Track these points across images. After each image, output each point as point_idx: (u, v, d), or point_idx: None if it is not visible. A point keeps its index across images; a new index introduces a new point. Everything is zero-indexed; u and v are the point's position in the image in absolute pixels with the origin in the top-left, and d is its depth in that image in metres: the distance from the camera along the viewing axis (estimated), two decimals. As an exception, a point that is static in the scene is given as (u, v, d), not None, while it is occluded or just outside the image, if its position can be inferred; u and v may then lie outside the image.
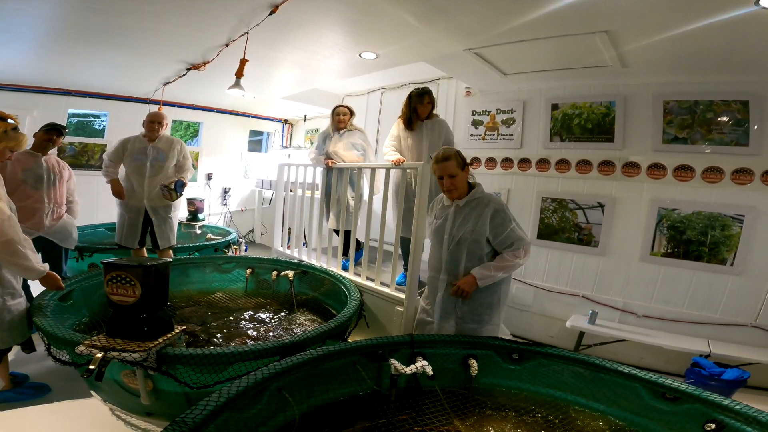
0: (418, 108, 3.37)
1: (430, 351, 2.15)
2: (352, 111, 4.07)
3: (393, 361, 1.94)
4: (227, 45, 3.75)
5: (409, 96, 3.43)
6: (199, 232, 5.83)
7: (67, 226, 3.45)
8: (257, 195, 7.93)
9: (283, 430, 1.64)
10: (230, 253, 4.92)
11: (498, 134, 4.52)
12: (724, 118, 3.36)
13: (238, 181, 7.90)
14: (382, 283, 3.27)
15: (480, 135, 4.64)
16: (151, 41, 3.83)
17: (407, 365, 1.97)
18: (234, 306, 3.43)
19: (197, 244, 4.84)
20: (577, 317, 3.81)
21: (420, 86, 3.51)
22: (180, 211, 4.15)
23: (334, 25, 3.32)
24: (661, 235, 3.62)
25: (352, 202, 3.81)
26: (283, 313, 3.30)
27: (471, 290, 2.35)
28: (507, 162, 4.45)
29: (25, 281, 3.25)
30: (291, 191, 4.56)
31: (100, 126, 6.36)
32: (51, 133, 3.32)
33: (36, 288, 2.80)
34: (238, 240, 5.42)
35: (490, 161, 4.52)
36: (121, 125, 6.19)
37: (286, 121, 8.22)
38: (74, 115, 6.02)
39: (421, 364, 1.98)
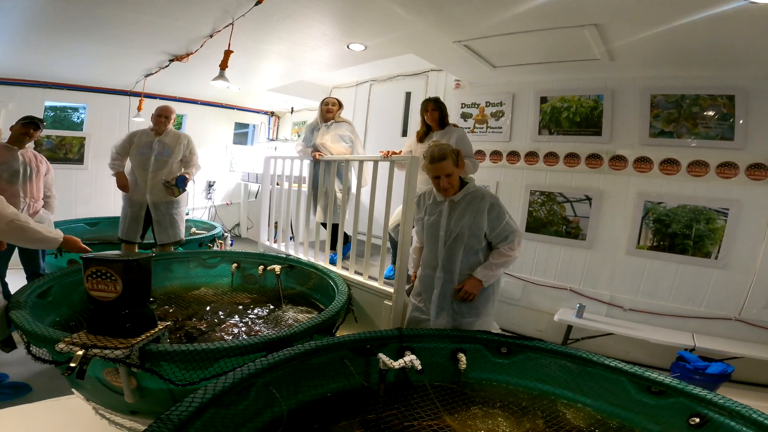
0: (425, 116, 3.32)
1: (418, 345, 2.16)
2: (341, 103, 4.05)
3: (381, 355, 1.94)
4: (211, 36, 3.70)
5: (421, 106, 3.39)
6: (183, 226, 5.75)
7: (44, 221, 3.38)
8: (243, 188, 7.86)
9: (270, 427, 1.63)
10: (215, 248, 4.88)
11: (487, 127, 4.54)
12: (710, 113, 3.42)
13: (223, 174, 7.81)
14: (370, 277, 3.27)
15: (469, 128, 4.65)
16: (132, 32, 3.76)
17: (396, 360, 1.97)
18: (219, 301, 3.40)
19: (181, 239, 4.77)
20: (565, 311, 3.86)
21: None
22: (185, 207, 4.10)
23: (322, 15, 3.29)
24: (647, 228, 3.68)
25: (339, 195, 3.80)
26: (269, 308, 3.29)
27: (478, 292, 2.38)
28: (496, 155, 4.47)
29: (1, 278, 3.20)
30: (277, 184, 4.53)
31: (78, 119, 6.22)
32: (28, 126, 3.26)
33: (14, 284, 2.75)
34: (223, 234, 5.38)
35: (479, 154, 4.54)
36: (100, 118, 6.09)
37: (272, 114, 8.14)
38: (51, 108, 5.88)
39: (410, 359, 1.98)
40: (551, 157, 4.13)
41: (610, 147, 3.84)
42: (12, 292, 2.59)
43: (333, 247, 3.71)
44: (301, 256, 3.86)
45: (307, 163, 4.07)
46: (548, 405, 2.03)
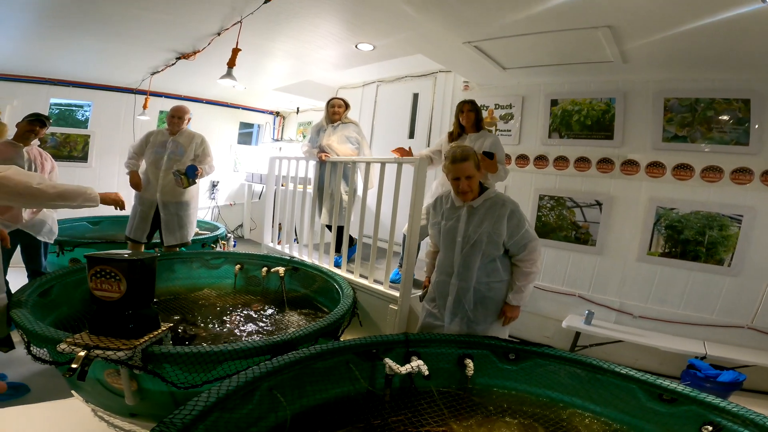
0: (460, 118, 3.27)
1: (425, 350, 2.15)
2: (347, 104, 4.04)
3: (388, 360, 1.93)
4: (219, 34, 3.71)
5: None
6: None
7: (46, 219, 3.39)
8: (247, 189, 7.86)
9: (274, 431, 1.62)
10: (218, 249, 4.88)
11: (496, 130, 4.52)
12: (725, 117, 3.39)
13: (227, 174, 7.82)
14: (375, 281, 3.26)
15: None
16: (139, 28, 3.77)
17: (402, 365, 1.96)
18: (222, 303, 3.40)
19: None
20: (573, 317, 3.84)
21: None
22: (195, 208, 4.10)
23: (331, 14, 3.29)
24: (659, 234, 3.65)
25: (345, 197, 3.79)
26: (273, 311, 3.28)
27: (519, 313, 2.43)
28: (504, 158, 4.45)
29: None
30: (282, 185, 4.53)
31: (83, 116, 6.25)
32: (34, 123, 3.27)
33: (15, 283, 2.75)
34: (226, 235, 5.38)
35: (487, 157, 4.51)
36: (105, 116, 6.12)
37: (277, 114, 8.16)
38: (56, 105, 5.91)
39: (417, 364, 1.97)
40: (561, 161, 4.10)
41: (622, 151, 3.81)
42: (13, 291, 2.60)
43: (338, 249, 3.70)
44: (306, 259, 3.86)
45: (312, 164, 4.07)
46: (556, 412, 2.01)
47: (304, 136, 7.36)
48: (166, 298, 3.35)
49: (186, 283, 3.66)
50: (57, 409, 2.43)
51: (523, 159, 4.34)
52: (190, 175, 3.72)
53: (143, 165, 3.92)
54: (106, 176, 6.01)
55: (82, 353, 1.66)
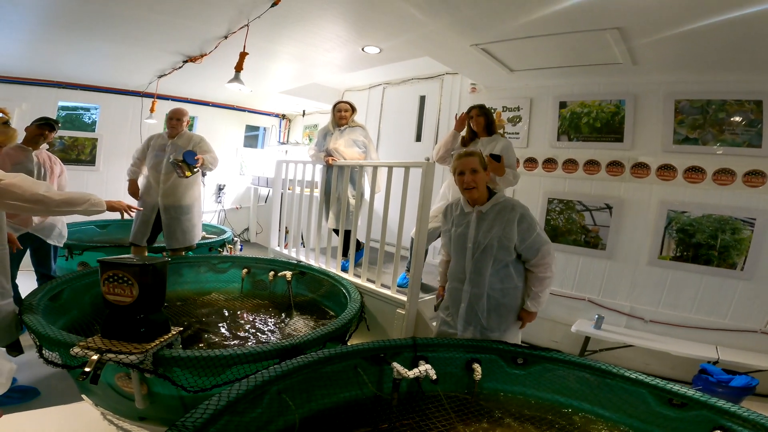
0: (471, 123, 3.29)
1: (433, 354, 2.17)
2: (354, 107, 4.08)
3: (395, 364, 1.95)
4: (226, 37, 3.77)
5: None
6: (192, 230, 5.82)
7: (56, 222, 3.45)
8: (253, 192, 7.94)
9: (282, 435, 1.66)
10: (225, 253, 4.94)
11: (504, 132, 4.54)
12: (737, 119, 3.39)
13: (234, 177, 7.90)
14: (383, 285, 3.29)
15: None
16: (146, 32, 3.84)
17: (410, 369, 1.98)
18: (230, 307, 3.45)
19: (191, 243, 4.84)
20: (582, 322, 3.84)
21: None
22: (199, 212, 4.09)
23: (337, 17, 3.34)
24: (670, 238, 3.65)
25: (352, 201, 3.83)
26: (280, 315, 3.32)
27: (535, 317, 2.44)
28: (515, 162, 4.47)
29: (11, 281, 3.27)
30: (289, 189, 4.58)
31: (90, 119, 6.36)
32: (43, 127, 3.34)
33: (25, 288, 2.81)
34: (233, 239, 5.44)
35: (495, 160, 4.53)
36: (113, 119, 6.22)
37: (283, 116, 8.23)
38: (63, 108, 6.02)
39: (424, 368, 1.99)
40: (570, 164, 4.12)
41: (632, 154, 3.82)
42: (23, 295, 2.66)
43: (345, 253, 3.74)
44: (313, 263, 3.90)
45: (319, 168, 4.11)
46: (565, 417, 2.03)
47: (310, 139, 7.41)
48: (174, 302, 3.41)
49: (194, 287, 3.71)
50: (67, 413, 2.48)
51: (531, 162, 4.36)
52: (189, 161, 3.60)
53: (145, 170, 3.94)
54: (114, 180, 6.10)
55: (95, 357, 1.70)
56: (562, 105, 4.18)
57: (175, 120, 3.89)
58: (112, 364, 1.76)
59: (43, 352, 2.03)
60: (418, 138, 5.37)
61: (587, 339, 3.75)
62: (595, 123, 3.99)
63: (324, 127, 4.18)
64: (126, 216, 2.62)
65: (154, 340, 1.87)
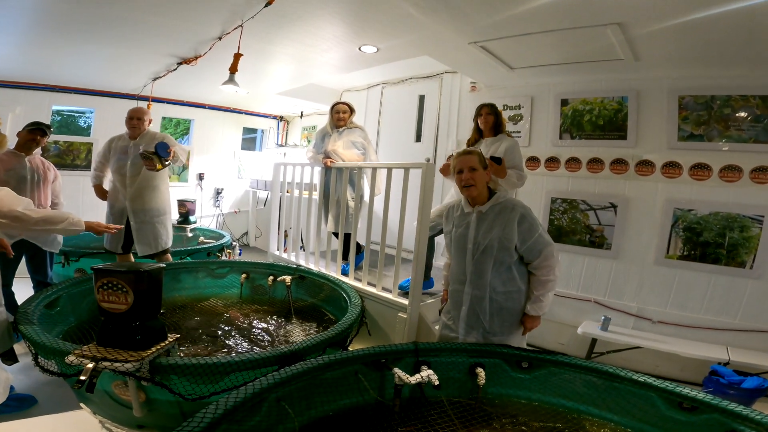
0: (478, 121, 3.29)
1: (435, 359, 2.16)
2: (352, 108, 4.08)
3: (397, 370, 1.95)
4: (220, 38, 3.77)
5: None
6: (190, 235, 5.84)
7: (52, 228, 3.45)
8: (251, 196, 7.94)
9: (282, 443, 1.65)
10: (223, 258, 4.93)
11: (509, 132, 4.53)
12: (743, 114, 3.38)
13: (231, 181, 7.92)
14: (384, 289, 3.29)
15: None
16: (140, 34, 3.85)
17: (412, 374, 1.98)
18: (229, 313, 3.44)
19: (189, 248, 4.85)
20: (588, 323, 3.83)
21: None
22: (170, 215, 3.93)
23: (333, 17, 3.34)
24: (677, 236, 3.64)
25: (352, 204, 3.82)
26: (279, 320, 3.32)
27: (539, 322, 2.42)
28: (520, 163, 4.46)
29: (7, 288, 3.28)
30: (287, 192, 4.58)
31: (85, 123, 6.38)
32: (35, 132, 3.34)
33: (22, 296, 2.82)
34: (231, 243, 5.44)
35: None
36: (108, 122, 6.19)
37: (281, 118, 8.24)
38: (58, 112, 6.03)
39: (427, 374, 1.98)
40: (573, 163, 4.11)
41: (636, 151, 3.81)
42: (19, 302, 2.66)
43: (345, 257, 3.74)
44: (312, 267, 3.89)
45: (318, 170, 4.11)
46: (572, 422, 2.02)
47: (308, 141, 7.42)
48: (171, 308, 3.40)
49: (192, 293, 3.71)
50: (64, 422, 2.48)
51: (533, 161, 4.35)
52: (162, 153, 3.34)
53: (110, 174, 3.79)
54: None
55: (90, 365, 1.70)
56: (564, 103, 4.18)
57: (135, 119, 3.67)
58: (109, 372, 1.75)
59: (39, 360, 2.03)
60: (418, 138, 5.37)
61: (594, 341, 3.74)
62: (597, 120, 3.99)
63: (322, 128, 4.17)
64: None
65: (151, 347, 1.87)
